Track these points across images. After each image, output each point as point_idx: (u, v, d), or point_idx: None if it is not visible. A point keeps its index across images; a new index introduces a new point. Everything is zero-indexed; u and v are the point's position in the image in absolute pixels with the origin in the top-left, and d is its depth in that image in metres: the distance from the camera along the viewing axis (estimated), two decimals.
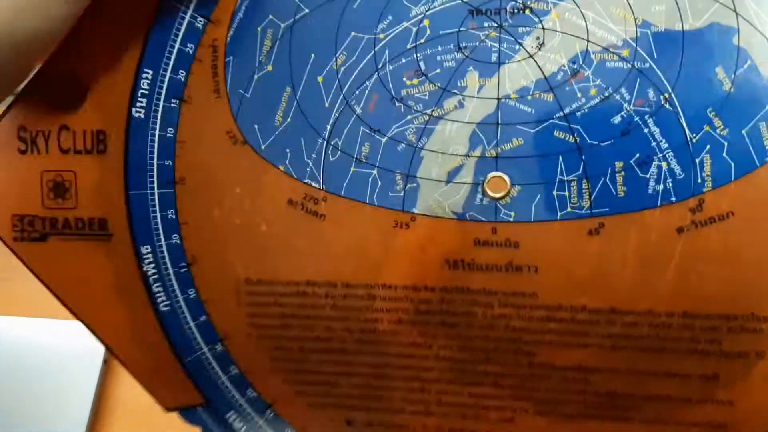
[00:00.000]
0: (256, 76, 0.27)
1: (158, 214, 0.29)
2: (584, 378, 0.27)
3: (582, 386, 0.27)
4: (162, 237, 0.29)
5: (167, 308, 0.30)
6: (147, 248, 0.29)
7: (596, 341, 0.27)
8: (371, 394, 0.29)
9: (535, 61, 0.25)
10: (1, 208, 0.30)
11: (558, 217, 0.26)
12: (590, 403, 0.27)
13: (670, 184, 0.25)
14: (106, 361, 0.40)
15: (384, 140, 0.27)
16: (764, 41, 0.24)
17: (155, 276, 0.29)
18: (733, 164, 0.25)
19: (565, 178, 0.26)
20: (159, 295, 0.30)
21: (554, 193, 0.26)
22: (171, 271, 0.29)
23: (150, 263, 0.29)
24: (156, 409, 0.37)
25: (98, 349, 0.40)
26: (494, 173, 0.26)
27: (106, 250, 0.30)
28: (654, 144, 0.25)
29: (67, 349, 0.40)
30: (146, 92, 0.28)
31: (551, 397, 0.28)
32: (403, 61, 0.26)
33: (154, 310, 0.30)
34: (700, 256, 0.26)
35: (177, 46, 0.28)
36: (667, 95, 0.25)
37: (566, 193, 0.26)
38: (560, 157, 0.26)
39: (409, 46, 0.26)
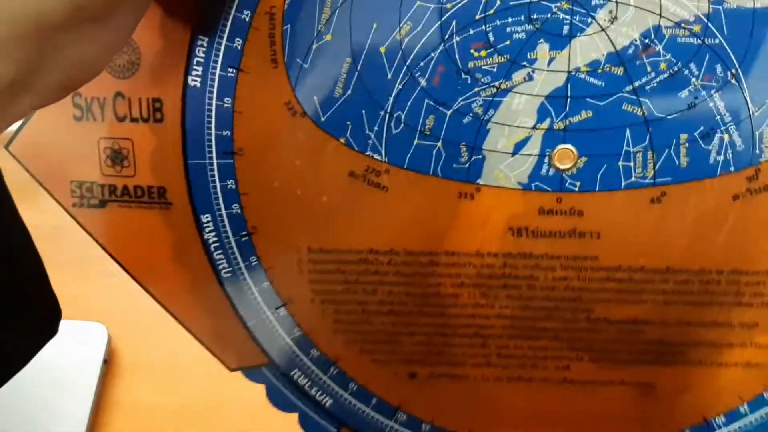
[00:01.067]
0: (314, 46, 0.27)
1: (218, 184, 0.29)
2: (637, 330, 0.29)
3: (635, 337, 0.29)
4: (222, 206, 0.29)
5: (229, 275, 0.30)
6: (207, 217, 0.29)
7: (651, 297, 0.28)
8: (433, 350, 0.30)
9: (607, 35, 0.25)
10: (59, 174, 0.30)
11: (622, 187, 0.27)
12: (641, 350, 0.29)
13: (730, 155, 0.26)
14: (106, 361, 0.40)
15: (449, 113, 0.27)
16: None
17: (216, 244, 0.30)
18: None
19: (631, 150, 0.26)
20: (220, 262, 0.30)
21: (620, 163, 0.27)
22: (232, 239, 0.30)
23: (211, 231, 0.30)
24: (156, 409, 0.38)
25: (98, 349, 0.40)
26: (562, 145, 0.27)
27: (166, 218, 0.30)
28: (718, 117, 0.26)
29: (67, 349, 0.39)
30: (201, 60, 0.28)
31: (606, 347, 0.29)
32: (471, 32, 0.26)
33: (216, 276, 0.30)
34: (752, 220, 0.27)
35: (233, 12, 0.27)
36: (734, 71, 0.25)
37: (631, 164, 0.27)
38: (627, 130, 0.26)
39: (477, 17, 0.26)
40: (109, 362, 0.40)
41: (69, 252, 0.37)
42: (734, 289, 0.28)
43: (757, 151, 0.26)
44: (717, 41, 0.25)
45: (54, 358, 0.36)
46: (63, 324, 0.40)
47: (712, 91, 0.25)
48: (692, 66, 0.25)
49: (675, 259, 0.28)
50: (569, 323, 0.29)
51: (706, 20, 0.25)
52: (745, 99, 0.25)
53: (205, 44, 0.27)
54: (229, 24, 0.27)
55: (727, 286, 0.28)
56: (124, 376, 0.40)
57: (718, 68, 0.25)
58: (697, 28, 0.25)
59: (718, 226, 0.27)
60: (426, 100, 0.27)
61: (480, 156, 0.27)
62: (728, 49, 0.25)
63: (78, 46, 0.21)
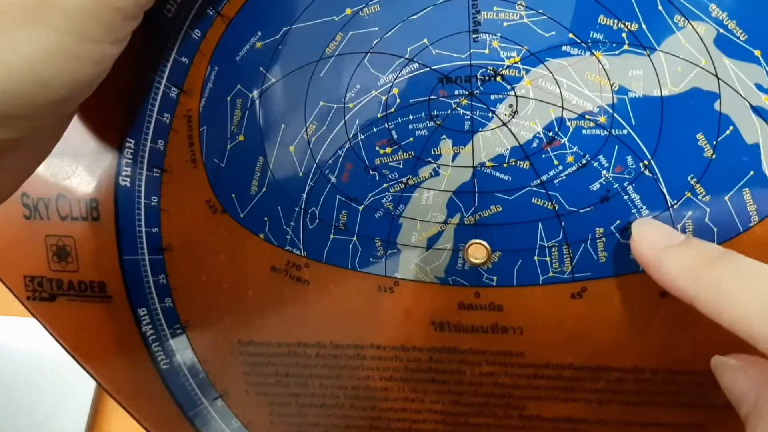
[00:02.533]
0: (229, 146, 0.27)
1: (150, 279, 0.30)
2: (574, 428, 0.28)
3: None
4: (156, 300, 0.30)
5: (167, 366, 0.31)
6: (143, 310, 0.30)
7: (583, 396, 0.27)
8: None
9: (509, 129, 0.24)
10: (13, 269, 0.32)
11: (540, 282, 0.26)
12: None
13: None
14: None
15: (361, 208, 0.27)
16: (746, 106, 0.22)
17: (153, 336, 0.30)
18: (715, 230, 0.24)
19: (546, 244, 0.25)
20: (158, 353, 0.30)
21: (535, 258, 0.25)
22: (167, 332, 0.30)
23: (147, 324, 0.30)
24: None
25: None
26: (474, 240, 0.26)
27: (108, 311, 0.31)
28: (634, 210, 0.24)
29: None
30: (130, 161, 0.29)
31: None
32: (375, 130, 0.26)
33: (155, 367, 0.31)
34: (683, 318, 0.25)
35: (155, 115, 0.28)
36: (646, 162, 0.24)
37: (547, 259, 0.25)
38: (540, 224, 0.25)
39: (379, 115, 0.26)
40: None
41: None
42: (673, 389, 0.26)
43: None
44: (625, 132, 0.24)
45: (54, 359, 0.38)
46: None
47: (626, 183, 0.24)
48: (601, 158, 0.24)
49: (604, 357, 0.26)
50: (502, 419, 0.28)
51: (611, 111, 0.24)
52: (662, 191, 0.24)
53: (132, 146, 0.28)
54: (152, 127, 0.28)
55: (665, 385, 0.26)
56: None
57: (629, 159, 0.24)
58: (602, 119, 0.24)
59: (647, 323, 0.25)
60: (338, 196, 0.27)
61: (395, 250, 0.27)
62: (638, 140, 0.24)
63: None
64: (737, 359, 0.22)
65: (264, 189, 0.27)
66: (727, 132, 0.23)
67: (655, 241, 0.22)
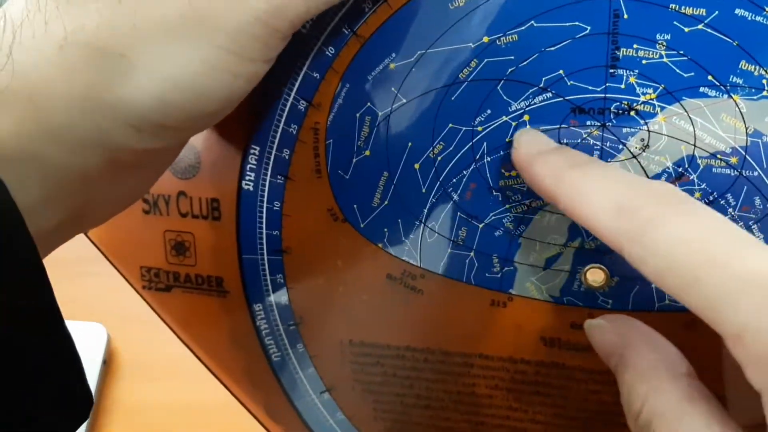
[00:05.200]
0: (354, 160, 0.28)
1: (268, 278, 0.31)
2: None
3: None
4: (272, 298, 0.31)
5: (279, 359, 0.32)
6: (259, 306, 0.32)
7: None
8: None
9: (639, 162, 0.25)
10: (130, 260, 0.33)
11: (655, 309, 0.27)
12: None
13: None
14: (105, 362, 0.40)
15: (481, 226, 0.28)
16: None
17: (267, 330, 0.32)
18: None
19: None
20: (270, 347, 0.32)
21: (653, 286, 0.26)
22: (281, 327, 0.32)
23: (262, 319, 0.32)
24: (156, 409, 0.38)
25: (98, 350, 0.40)
26: (592, 264, 0.27)
27: (223, 305, 0.32)
28: None
29: None
30: (254, 167, 0.30)
31: None
32: (502, 153, 0.26)
33: (267, 360, 0.32)
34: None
35: (281, 126, 0.29)
36: None
37: None
38: None
39: (508, 140, 0.26)
40: (108, 362, 0.40)
41: (69, 251, 0.38)
42: None
43: None
44: (756, 174, 0.24)
45: None
46: None
47: (751, 223, 0.25)
48: (729, 196, 0.25)
49: (709, 385, 0.27)
50: None
51: (743, 152, 0.24)
52: None
53: (257, 153, 0.29)
54: (278, 136, 0.29)
55: None
56: (124, 376, 0.40)
57: (757, 200, 0.24)
58: (734, 160, 0.24)
59: None
60: (458, 213, 0.28)
61: (512, 267, 0.28)
62: (767, 181, 0.24)
63: (118, 188, 0.24)
64: (605, 319, 0.25)
65: (386, 202, 0.28)
66: None
67: (530, 147, 0.25)
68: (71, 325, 0.41)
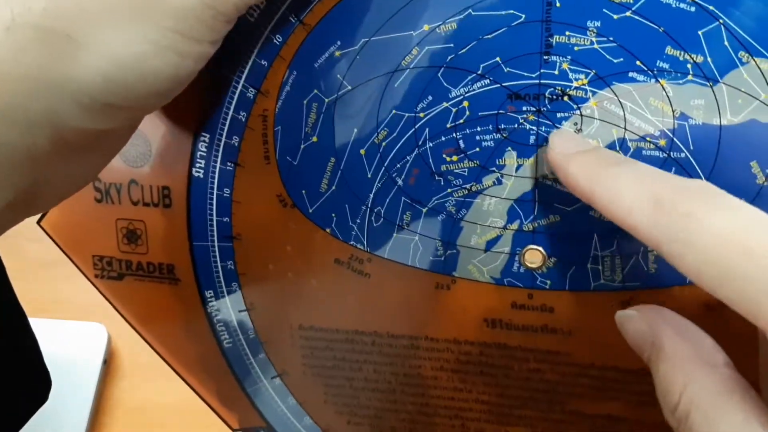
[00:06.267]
0: (302, 146, 0.29)
1: (219, 265, 0.31)
2: (612, 425, 0.29)
3: (610, 431, 0.30)
4: (223, 284, 0.32)
5: (230, 345, 0.33)
6: (210, 293, 0.32)
7: (624, 396, 0.29)
8: (416, 427, 0.32)
9: None
10: (83, 249, 0.34)
11: (591, 288, 0.28)
12: None
13: None
14: (106, 362, 0.40)
15: (425, 210, 0.28)
16: None
17: (218, 317, 0.32)
18: None
19: (599, 254, 0.27)
20: (222, 333, 0.33)
21: (588, 266, 0.27)
22: (232, 314, 0.32)
23: (213, 306, 0.32)
24: (156, 409, 0.38)
25: (98, 350, 0.40)
26: (531, 246, 0.28)
27: (175, 292, 0.33)
28: None
29: (67, 349, 0.39)
30: (204, 154, 0.30)
31: None
32: (443, 139, 0.27)
33: (219, 346, 0.33)
34: (729, 331, 0.27)
35: (231, 113, 0.29)
36: None
37: (599, 267, 0.27)
38: (595, 235, 0.27)
39: (448, 126, 0.27)
40: (108, 362, 0.40)
41: None
42: None
43: None
44: (683, 155, 0.25)
45: (54, 359, 0.37)
46: (63, 324, 0.39)
47: None
48: None
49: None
50: (545, 413, 0.30)
51: (671, 135, 0.25)
52: None
53: (207, 140, 0.30)
54: (228, 124, 0.30)
55: None
56: (124, 376, 0.41)
57: None
58: (662, 142, 0.25)
59: None
60: (403, 198, 0.28)
61: (454, 251, 0.29)
62: (694, 163, 0.25)
63: (68, 170, 0.24)
64: (636, 309, 0.24)
65: (333, 187, 0.29)
66: None
67: (564, 147, 0.25)
68: (71, 325, 0.40)
